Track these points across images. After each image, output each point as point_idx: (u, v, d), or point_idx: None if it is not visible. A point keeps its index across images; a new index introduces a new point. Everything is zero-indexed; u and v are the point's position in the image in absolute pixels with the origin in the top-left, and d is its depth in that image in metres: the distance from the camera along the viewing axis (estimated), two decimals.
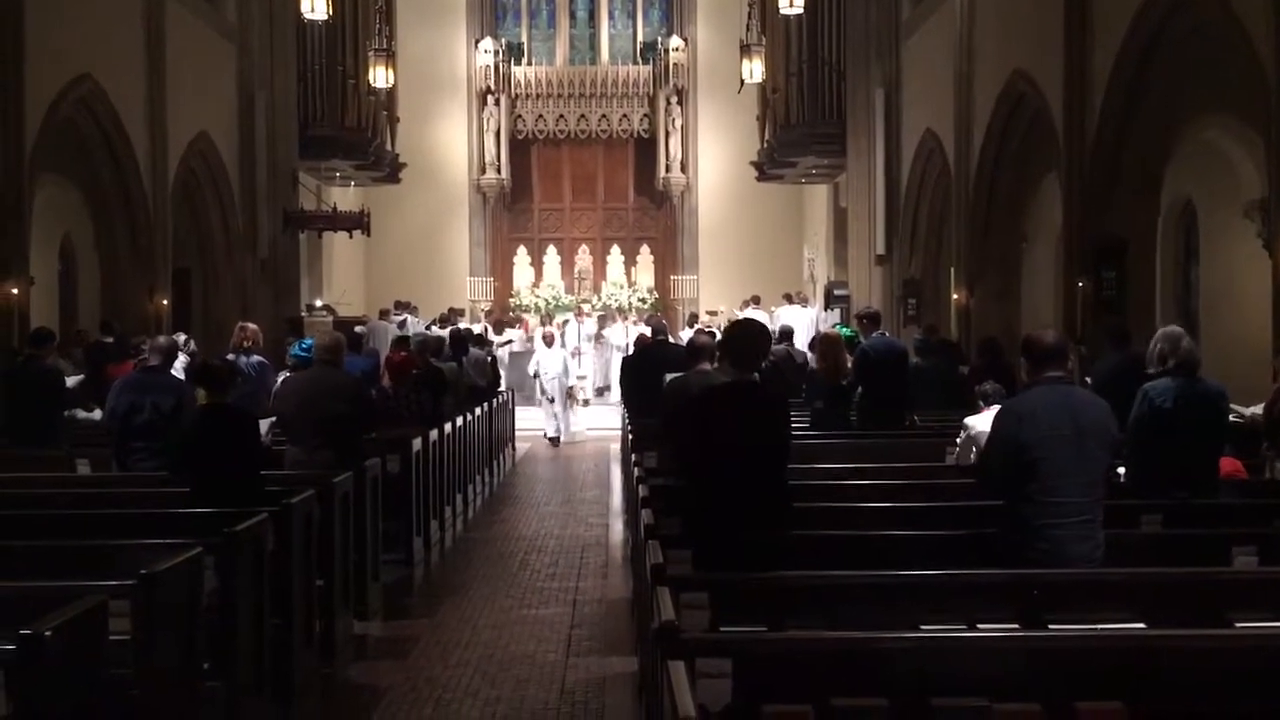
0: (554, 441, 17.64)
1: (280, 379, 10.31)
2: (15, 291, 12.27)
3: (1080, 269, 12.49)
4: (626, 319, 23.08)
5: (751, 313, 19.50)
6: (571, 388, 18.46)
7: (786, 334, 13.42)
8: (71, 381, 11.02)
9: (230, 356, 10.34)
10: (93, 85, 14.00)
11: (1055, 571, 4.64)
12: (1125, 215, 12.20)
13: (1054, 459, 4.70)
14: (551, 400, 17.83)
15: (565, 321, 22.00)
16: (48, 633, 3.40)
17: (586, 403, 20.05)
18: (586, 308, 24.45)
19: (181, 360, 10.42)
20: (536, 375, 18.06)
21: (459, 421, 11.39)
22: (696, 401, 5.66)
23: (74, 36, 13.65)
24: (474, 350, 14.78)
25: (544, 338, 18.76)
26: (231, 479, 6.32)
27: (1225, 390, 6.51)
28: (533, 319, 23.85)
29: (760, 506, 5.14)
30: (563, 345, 19.10)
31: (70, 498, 6.98)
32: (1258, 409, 7.74)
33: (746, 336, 5.71)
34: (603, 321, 22.82)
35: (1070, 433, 4.72)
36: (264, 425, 7.37)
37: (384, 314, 20.39)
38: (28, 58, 12.45)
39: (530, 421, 18.13)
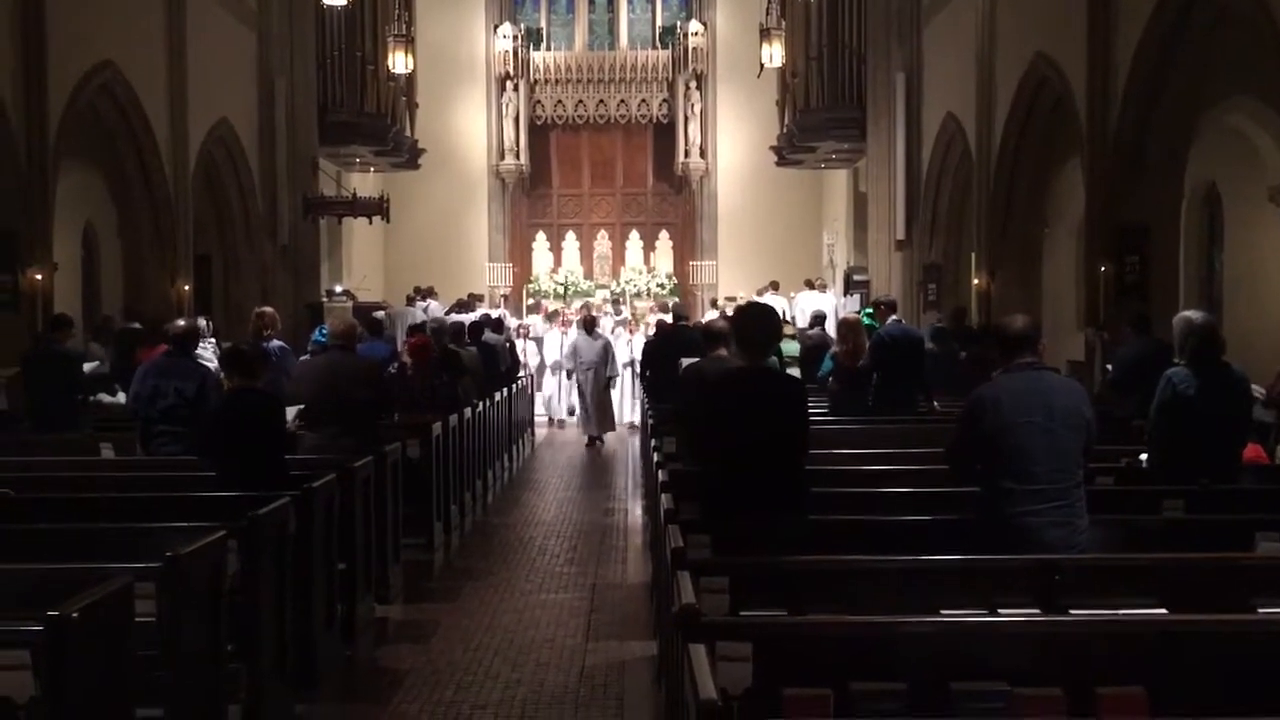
0: (595, 440, 16.11)
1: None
2: (39, 277, 12.35)
3: (1102, 254, 12.40)
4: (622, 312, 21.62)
5: (770, 298, 19.45)
6: (611, 379, 16.41)
7: (819, 319, 13.39)
8: (88, 367, 11.08)
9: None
10: (115, 72, 14.05)
11: (1076, 556, 4.63)
12: (1148, 200, 12.10)
13: (1023, 445, 4.70)
14: (584, 395, 16.14)
15: (584, 305, 21.66)
16: (75, 614, 3.44)
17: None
18: (605, 294, 24.33)
19: (210, 347, 10.46)
20: (569, 361, 16.49)
21: (479, 406, 11.43)
22: (710, 388, 5.64)
23: (96, 23, 13.70)
24: (491, 335, 14.74)
25: (583, 322, 16.98)
26: (257, 462, 6.37)
27: (1248, 376, 6.47)
28: (552, 305, 23.78)
29: (773, 492, 5.14)
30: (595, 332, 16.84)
31: (95, 481, 7.04)
32: (1259, 390, 7.70)
33: (754, 321, 5.57)
34: (616, 307, 22.33)
35: (1040, 418, 4.71)
36: (290, 412, 7.40)
37: (410, 300, 20.47)
38: (50, 44, 12.50)
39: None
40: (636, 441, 15.29)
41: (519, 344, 17.94)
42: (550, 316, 20.76)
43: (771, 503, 5.12)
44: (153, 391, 7.74)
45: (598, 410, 16.25)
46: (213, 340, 11.03)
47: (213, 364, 9.41)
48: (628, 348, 17.93)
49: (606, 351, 16.40)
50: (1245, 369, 6.50)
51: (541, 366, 18.99)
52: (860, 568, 4.55)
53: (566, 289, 25.68)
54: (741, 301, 20.14)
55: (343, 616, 6.59)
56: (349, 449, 7.50)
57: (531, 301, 24.52)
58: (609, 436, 16.56)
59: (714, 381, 5.70)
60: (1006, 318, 5.22)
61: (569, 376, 17.28)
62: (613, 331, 18.57)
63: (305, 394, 8.08)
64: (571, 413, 17.66)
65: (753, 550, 4.85)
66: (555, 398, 18.36)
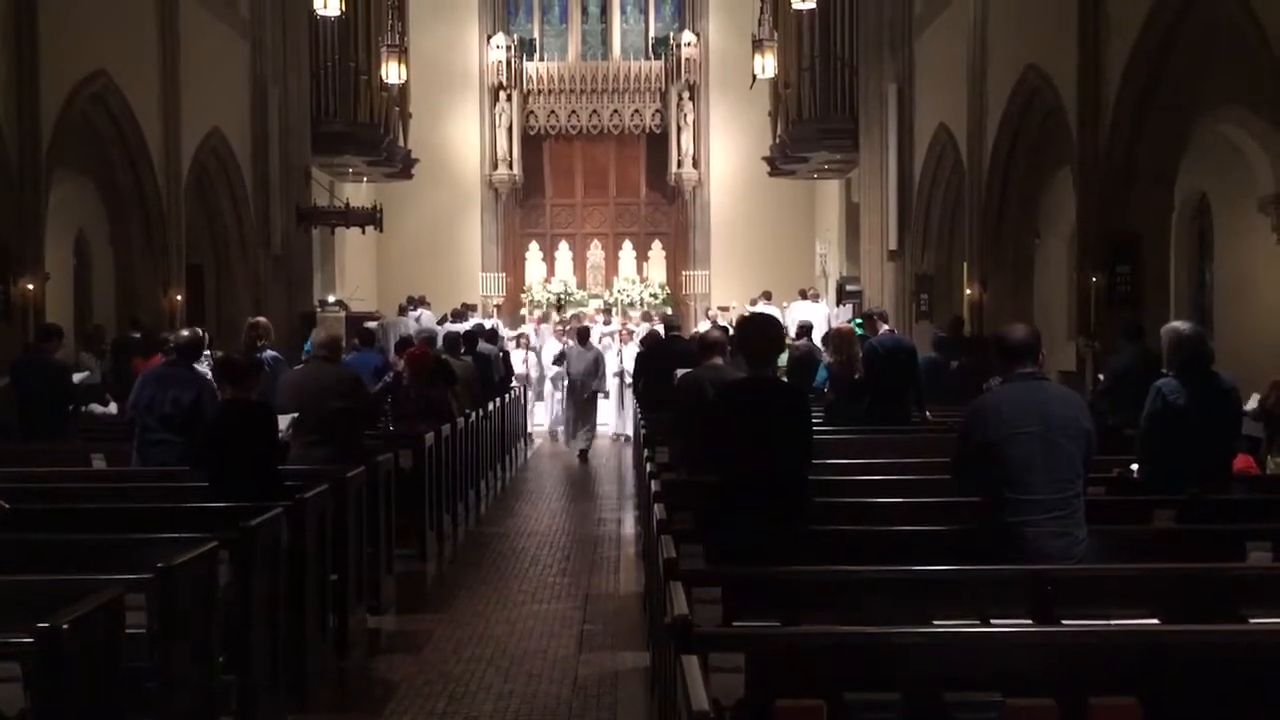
0: (584, 453, 15.97)
1: None
2: (31, 288, 12.33)
3: (1094, 264, 12.43)
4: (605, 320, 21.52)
5: (763, 308, 19.46)
6: (595, 392, 16.22)
7: (806, 329, 13.39)
8: (79, 377, 11.04)
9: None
10: (107, 81, 14.04)
11: (1068, 567, 4.64)
12: (1139, 210, 12.13)
13: (1021, 456, 4.70)
14: (580, 402, 15.91)
15: (573, 315, 21.61)
16: (65, 626, 3.43)
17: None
18: (598, 304, 24.27)
19: (206, 359, 10.45)
20: (562, 375, 16.23)
21: (472, 416, 11.42)
22: (714, 398, 5.64)
23: (88, 32, 13.69)
24: (485, 345, 14.72)
25: (577, 333, 16.79)
26: (249, 473, 6.36)
27: (1238, 386, 6.49)
28: (557, 316, 23.73)
29: (781, 501, 5.15)
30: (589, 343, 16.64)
31: (87, 492, 7.02)
32: (1252, 402, 7.73)
33: (758, 331, 5.64)
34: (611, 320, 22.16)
35: (1038, 429, 4.71)
36: (283, 421, 7.40)
37: (403, 309, 20.47)
38: (42, 54, 12.49)
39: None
40: (628, 452, 15.27)
41: (518, 354, 17.92)
42: (551, 324, 20.73)
43: (775, 511, 5.13)
44: (149, 400, 7.74)
45: (582, 422, 16.17)
46: (207, 352, 11.02)
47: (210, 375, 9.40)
48: (618, 357, 17.88)
49: (598, 365, 16.30)
50: (1236, 379, 6.51)
51: (542, 377, 18.94)
52: (853, 578, 4.55)
53: (561, 299, 25.67)
54: (735, 311, 20.20)
55: (335, 627, 6.57)
56: (324, 459, 7.50)
57: (540, 312, 24.29)
58: (595, 445, 16.54)
59: (718, 391, 5.71)
60: (1006, 326, 5.20)
61: (556, 384, 17.18)
62: (601, 341, 18.45)
63: (286, 404, 8.08)
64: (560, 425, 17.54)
65: (755, 559, 4.85)
66: (555, 408, 18.28)
